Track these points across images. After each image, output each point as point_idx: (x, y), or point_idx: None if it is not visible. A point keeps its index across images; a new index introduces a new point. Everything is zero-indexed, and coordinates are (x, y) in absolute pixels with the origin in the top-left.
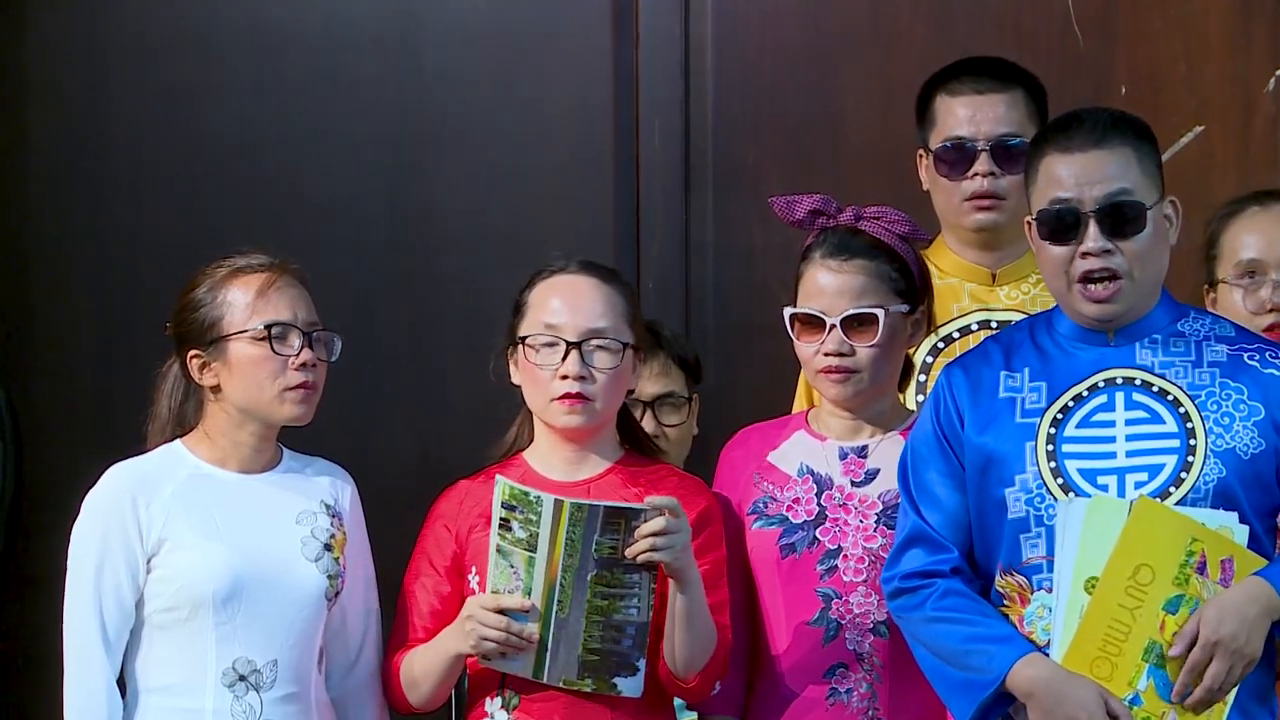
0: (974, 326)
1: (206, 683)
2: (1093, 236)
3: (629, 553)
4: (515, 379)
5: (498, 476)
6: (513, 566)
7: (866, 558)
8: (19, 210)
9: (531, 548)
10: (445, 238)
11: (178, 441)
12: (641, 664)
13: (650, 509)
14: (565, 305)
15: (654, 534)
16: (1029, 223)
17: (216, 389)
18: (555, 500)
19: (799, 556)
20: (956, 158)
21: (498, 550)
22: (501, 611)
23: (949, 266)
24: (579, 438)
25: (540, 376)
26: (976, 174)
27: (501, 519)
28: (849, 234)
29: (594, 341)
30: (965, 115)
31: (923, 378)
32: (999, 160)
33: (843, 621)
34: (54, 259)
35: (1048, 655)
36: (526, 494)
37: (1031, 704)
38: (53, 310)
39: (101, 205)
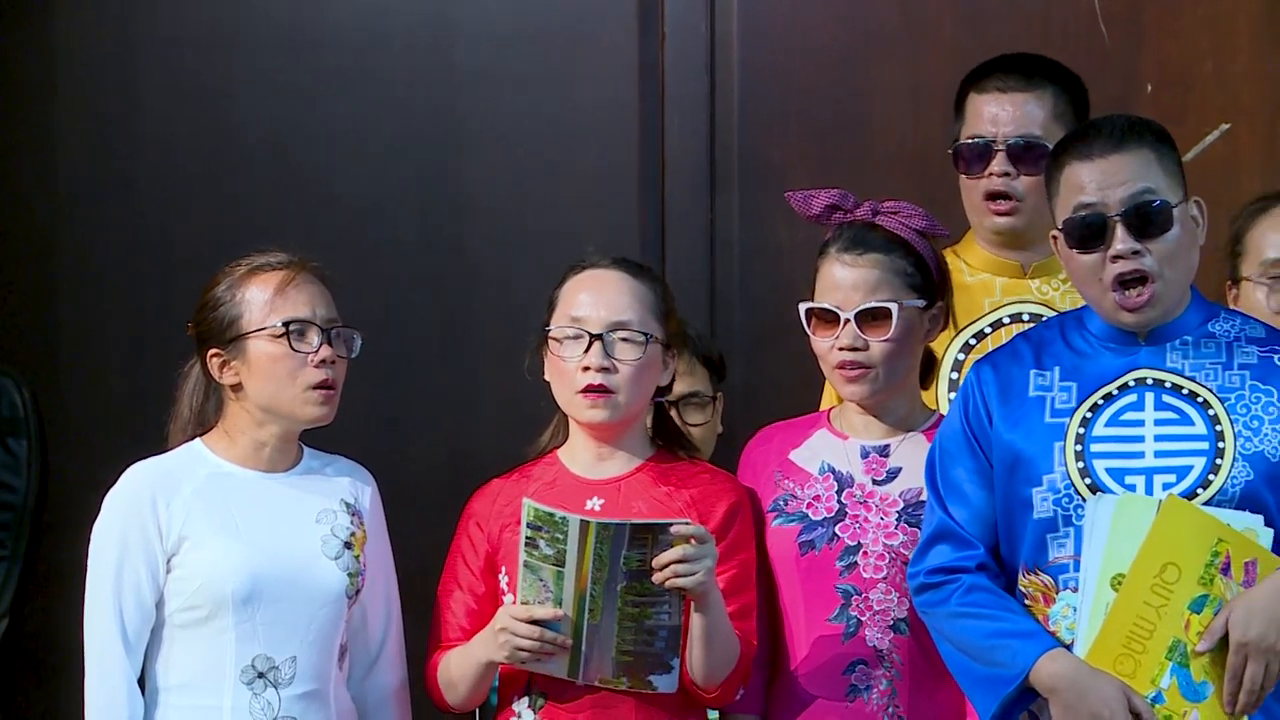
0: (1005, 320)
1: (225, 680)
2: (1121, 239)
3: (655, 579)
4: (548, 376)
5: (524, 499)
6: (541, 580)
7: (887, 554)
8: (48, 210)
9: (559, 563)
10: (475, 237)
11: (198, 440)
12: (675, 662)
13: (678, 522)
14: (591, 298)
15: (677, 560)
16: (1054, 236)
17: (237, 388)
18: (581, 521)
19: (818, 553)
20: (973, 155)
21: (525, 565)
22: (534, 621)
23: (979, 262)
24: (605, 434)
25: (565, 369)
26: (992, 173)
27: (528, 538)
28: (865, 229)
29: (618, 333)
30: (988, 114)
31: (954, 375)
32: (1015, 160)
33: (863, 618)
34: (83, 259)
35: (1072, 652)
36: (552, 515)
37: (1054, 699)
38: (81, 310)
39: (131, 205)
